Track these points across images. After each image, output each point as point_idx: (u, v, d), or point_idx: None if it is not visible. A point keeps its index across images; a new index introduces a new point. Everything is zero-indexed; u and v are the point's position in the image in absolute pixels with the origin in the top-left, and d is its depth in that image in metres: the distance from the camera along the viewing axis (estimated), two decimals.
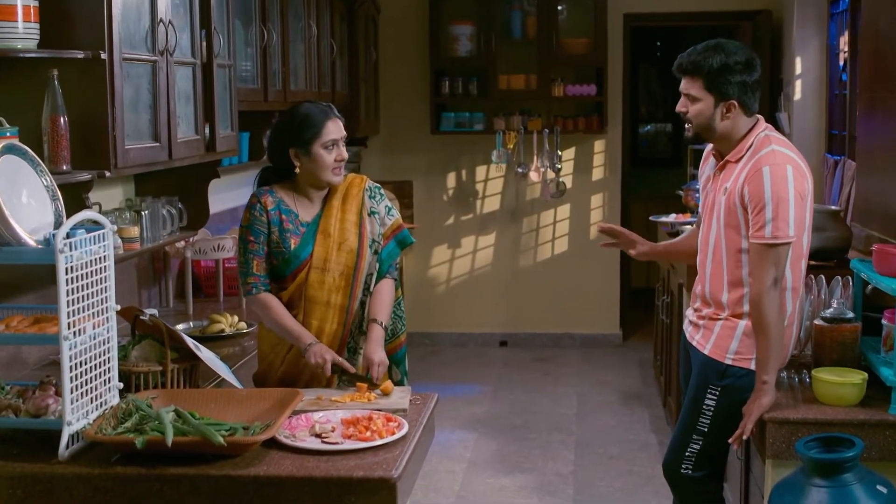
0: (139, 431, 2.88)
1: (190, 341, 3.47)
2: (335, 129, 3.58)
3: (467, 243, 8.55)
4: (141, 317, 3.56)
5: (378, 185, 3.78)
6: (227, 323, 4.52)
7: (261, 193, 3.65)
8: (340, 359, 3.55)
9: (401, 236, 3.76)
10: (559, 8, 8.07)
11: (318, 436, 3.04)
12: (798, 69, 7.04)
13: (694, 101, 3.49)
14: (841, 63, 6.58)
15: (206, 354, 3.52)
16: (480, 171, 8.46)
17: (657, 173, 10.73)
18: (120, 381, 3.17)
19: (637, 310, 9.07)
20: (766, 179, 3.34)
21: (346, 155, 3.61)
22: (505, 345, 8.57)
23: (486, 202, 8.49)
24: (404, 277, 8.30)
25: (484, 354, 8.32)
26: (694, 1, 8.14)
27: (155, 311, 3.57)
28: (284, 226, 3.61)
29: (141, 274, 4.91)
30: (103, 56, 3.52)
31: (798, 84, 7.05)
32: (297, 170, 3.61)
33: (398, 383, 3.85)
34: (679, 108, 3.55)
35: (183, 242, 4.99)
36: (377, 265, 3.69)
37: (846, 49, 6.39)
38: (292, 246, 3.61)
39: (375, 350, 3.57)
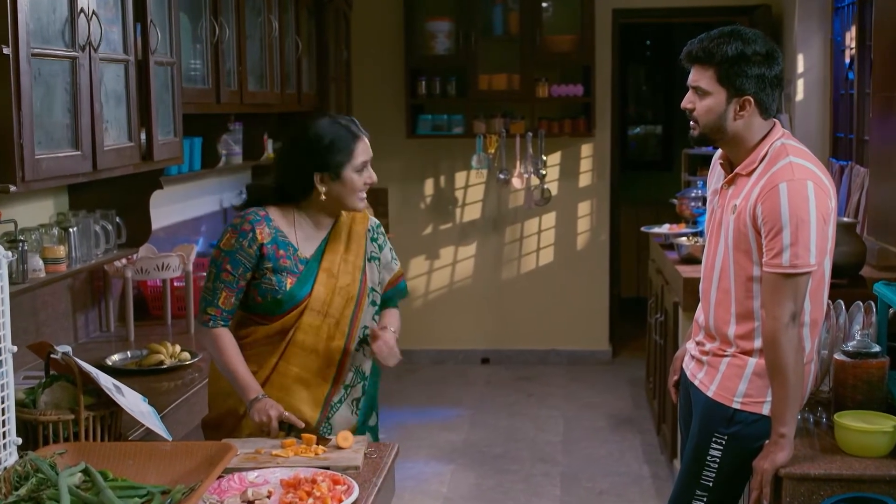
0: (34, 500, 2.42)
1: (109, 384, 2.98)
2: (365, 149, 3.18)
3: (446, 254, 8.14)
4: (53, 354, 3.07)
5: (379, 223, 3.40)
6: (168, 353, 4.03)
7: (256, 221, 3.16)
8: (288, 414, 3.08)
9: (402, 285, 3.46)
10: (544, 5, 7.65)
11: (250, 503, 2.57)
12: (800, 67, 6.69)
13: (703, 95, 3.00)
14: (847, 60, 6.19)
15: (128, 399, 3.03)
16: (460, 178, 8.06)
17: (646, 177, 10.43)
18: (26, 432, 2.77)
19: (627, 322, 8.63)
20: (784, 198, 2.86)
21: (375, 178, 3.21)
22: (487, 362, 8.15)
23: (466, 210, 8.09)
24: None
25: (464, 373, 7.88)
26: None
27: (68, 348, 3.06)
28: (281, 262, 3.15)
29: (76, 297, 4.42)
30: (6, 51, 3.00)
31: (800, 83, 6.70)
32: (323, 196, 3.16)
33: (374, 428, 3.41)
34: (685, 103, 3.05)
35: (124, 261, 4.50)
36: (376, 317, 3.33)
37: (853, 45, 6.00)
38: (288, 286, 3.15)
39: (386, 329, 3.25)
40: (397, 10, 7.75)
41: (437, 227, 8.11)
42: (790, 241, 2.85)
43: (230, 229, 3.17)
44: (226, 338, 3.18)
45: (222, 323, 3.18)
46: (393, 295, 3.40)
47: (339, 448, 2.95)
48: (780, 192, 2.86)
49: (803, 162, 2.93)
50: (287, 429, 3.08)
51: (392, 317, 3.40)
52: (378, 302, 3.32)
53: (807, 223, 2.85)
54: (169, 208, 5.16)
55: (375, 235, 3.33)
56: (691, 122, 3.05)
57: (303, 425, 3.08)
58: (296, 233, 3.20)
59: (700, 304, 3.23)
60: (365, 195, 3.22)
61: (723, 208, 3.07)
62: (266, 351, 3.19)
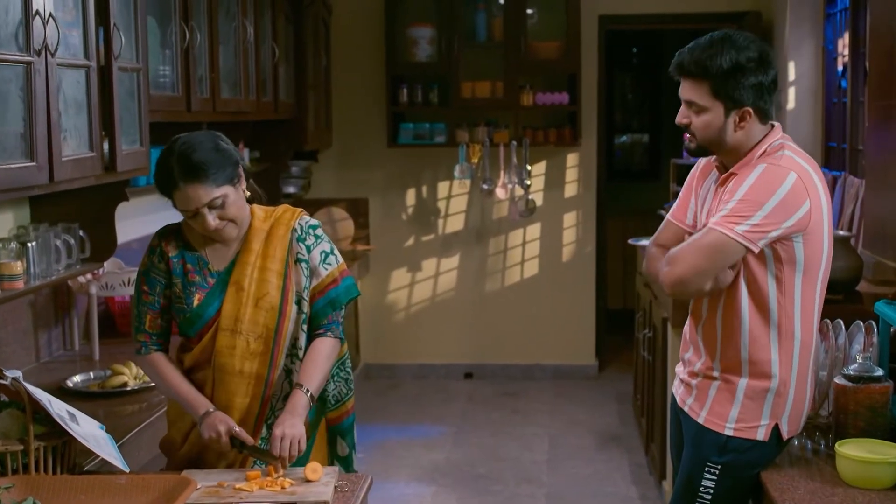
0: None
1: (62, 411, 2.79)
2: (192, 197, 2.83)
3: (428, 266, 7.94)
4: (1, 379, 2.88)
5: (316, 223, 3.05)
6: (132, 375, 3.83)
7: (163, 234, 3.01)
8: (239, 429, 2.87)
9: (334, 293, 3.00)
10: (529, 11, 7.45)
11: None
12: (791, 75, 6.51)
13: (700, 111, 2.81)
14: (840, 68, 6.01)
15: (82, 428, 2.83)
16: (442, 188, 7.85)
17: (633, 187, 10.28)
18: None
19: (614, 335, 8.43)
20: (755, 175, 2.72)
21: (212, 225, 2.86)
22: (470, 377, 7.94)
23: (448, 221, 7.88)
24: (360, 304, 7.63)
25: (447, 388, 7.67)
26: (674, 2, 7.60)
27: (18, 373, 2.87)
28: (189, 277, 2.95)
29: (38, 314, 4.22)
30: None
31: (791, 91, 6.52)
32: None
33: (346, 458, 3.17)
34: (680, 118, 2.86)
35: (89, 276, 4.29)
36: (304, 326, 2.98)
37: (846, 53, 5.83)
38: (195, 302, 2.94)
39: (284, 419, 2.86)
40: (378, 16, 7.55)
41: (419, 238, 7.91)
42: (732, 208, 2.70)
43: (146, 250, 3.03)
44: (161, 361, 3.01)
45: (154, 348, 3.02)
46: (325, 305, 2.99)
47: (307, 481, 2.76)
48: (755, 168, 2.73)
49: (797, 158, 2.78)
50: (239, 445, 2.87)
51: (308, 362, 2.96)
52: (306, 310, 2.97)
53: (760, 204, 2.68)
54: (137, 220, 4.95)
55: (303, 236, 3.00)
56: (687, 135, 2.87)
57: (253, 442, 2.88)
58: (206, 246, 2.99)
59: (689, 316, 3.05)
60: (225, 232, 2.90)
61: (715, 209, 2.89)
62: (198, 381, 2.99)
